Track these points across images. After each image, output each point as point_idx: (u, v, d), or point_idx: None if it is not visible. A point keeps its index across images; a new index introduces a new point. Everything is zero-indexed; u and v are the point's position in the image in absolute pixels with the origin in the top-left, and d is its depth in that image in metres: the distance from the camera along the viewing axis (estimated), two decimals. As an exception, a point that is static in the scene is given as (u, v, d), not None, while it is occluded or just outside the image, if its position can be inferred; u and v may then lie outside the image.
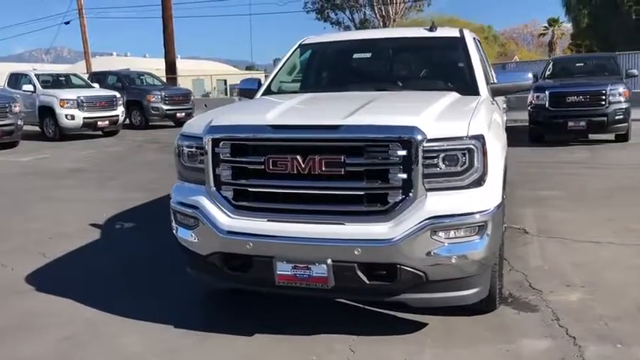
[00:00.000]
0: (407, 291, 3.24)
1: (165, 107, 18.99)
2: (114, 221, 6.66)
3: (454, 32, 4.91)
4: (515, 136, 13.15)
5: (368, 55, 5.08)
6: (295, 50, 5.19)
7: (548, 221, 5.99)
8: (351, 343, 3.42)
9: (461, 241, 3.15)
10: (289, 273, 3.26)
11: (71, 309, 4.12)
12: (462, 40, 4.77)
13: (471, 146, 3.17)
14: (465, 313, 3.67)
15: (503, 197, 3.43)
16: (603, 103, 11.68)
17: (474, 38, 5.36)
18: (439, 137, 3.13)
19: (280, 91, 4.83)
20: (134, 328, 3.79)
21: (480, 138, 3.21)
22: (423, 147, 3.09)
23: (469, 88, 4.27)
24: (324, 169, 3.18)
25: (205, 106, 22.43)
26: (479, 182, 3.20)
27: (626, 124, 11.83)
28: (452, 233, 3.14)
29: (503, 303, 3.87)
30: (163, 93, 19.23)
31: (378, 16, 56.93)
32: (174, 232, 3.73)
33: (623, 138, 12.07)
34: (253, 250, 3.31)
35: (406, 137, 3.09)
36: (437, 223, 3.11)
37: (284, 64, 5.07)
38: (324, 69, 5.30)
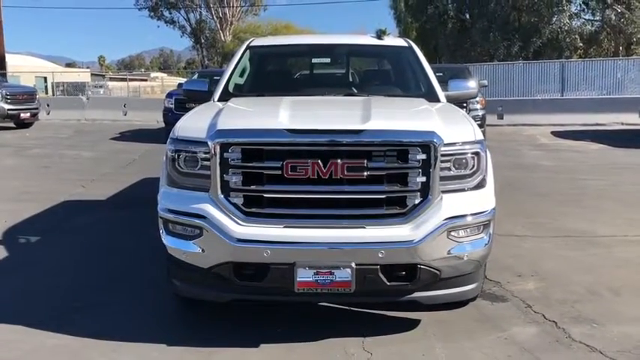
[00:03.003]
0: (421, 289, 3.37)
1: (6, 106, 16.90)
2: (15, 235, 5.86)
3: (401, 42, 5.16)
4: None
5: (327, 59, 5.12)
6: (245, 51, 5.04)
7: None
8: (364, 345, 3.45)
9: (471, 239, 3.36)
10: (310, 279, 3.20)
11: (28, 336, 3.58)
12: (411, 48, 5.03)
13: (478, 150, 3.40)
14: (450, 307, 3.88)
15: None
16: (464, 110, 12.90)
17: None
18: (453, 141, 3.31)
19: (238, 94, 4.66)
20: (125, 349, 3.42)
21: (483, 142, 3.47)
22: (440, 151, 3.25)
23: (431, 95, 4.53)
24: (345, 173, 3.18)
25: (124, 106, 20.58)
26: (482, 184, 3.45)
27: (482, 129, 13.07)
28: (463, 232, 3.34)
29: (474, 295, 4.16)
30: (4, 91, 17.10)
31: (214, 17, 56.48)
32: (164, 242, 3.44)
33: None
34: (271, 257, 3.19)
35: (427, 141, 3.22)
36: (453, 224, 3.28)
37: (236, 65, 4.90)
38: (284, 71, 5.21)
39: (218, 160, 3.24)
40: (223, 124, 3.34)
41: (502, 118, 18.24)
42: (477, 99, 13.12)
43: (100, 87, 45.60)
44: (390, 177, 3.25)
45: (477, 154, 3.39)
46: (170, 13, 55.29)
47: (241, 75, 5.00)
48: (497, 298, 4.18)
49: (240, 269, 3.27)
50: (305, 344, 3.47)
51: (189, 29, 57.34)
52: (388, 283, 3.25)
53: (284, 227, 3.24)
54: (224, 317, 3.85)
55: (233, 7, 55.27)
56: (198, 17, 57.26)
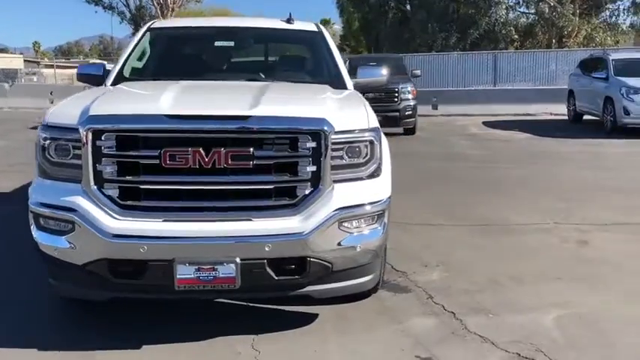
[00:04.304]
0: (312, 283, 3.23)
1: None
2: None
3: (312, 26, 4.98)
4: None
5: (231, 43, 4.87)
6: (145, 34, 4.74)
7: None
8: (253, 343, 3.29)
9: (364, 230, 3.24)
10: (191, 276, 3.00)
11: None
12: (320, 33, 4.86)
13: (372, 138, 3.28)
14: (349, 299, 3.77)
15: (390, 187, 3.61)
16: (396, 100, 12.94)
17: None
18: (345, 129, 3.17)
19: (134, 79, 4.38)
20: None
21: (378, 130, 3.36)
22: (331, 139, 3.10)
23: (338, 82, 4.38)
24: (230, 162, 2.99)
25: (51, 94, 19.31)
26: (377, 173, 3.33)
27: (414, 119, 13.29)
28: (356, 223, 3.22)
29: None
30: None
31: (155, 3, 54.76)
32: (35, 238, 3.16)
33: (410, 131, 13.53)
34: (149, 253, 2.98)
35: (317, 129, 3.07)
36: (345, 214, 3.15)
37: (134, 48, 4.60)
38: (183, 56, 4.94)
39: (90, 149, 2.98)
40: (97, 109, 3.09)
41: (436, 109, 18.46)
42: (409, 89, 13.20)
43: (34, 74, 43.56)
44: (278, 166, 3.09)
45: (370, 142, 3.27)
46: (109, -1, 53.33)
47: (141, 59, 4.71)
48: (401, 289, 4.10)
49: (116, 266, 3.04)
50: (191, 345, 3.27)
51: (128, 15, 55.46)
52: (276, 278, 3.09)
53: (163, 221, 3.03)
54: (105, 316, 3.60)
55: (173, -6, 53.85)
56: (138, 3, 55.43)
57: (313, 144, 3.07)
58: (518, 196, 7.02)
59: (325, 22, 58.30)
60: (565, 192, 7.14)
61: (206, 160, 2.97)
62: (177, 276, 2.98)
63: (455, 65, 22.39)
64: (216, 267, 3.00)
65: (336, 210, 3.12)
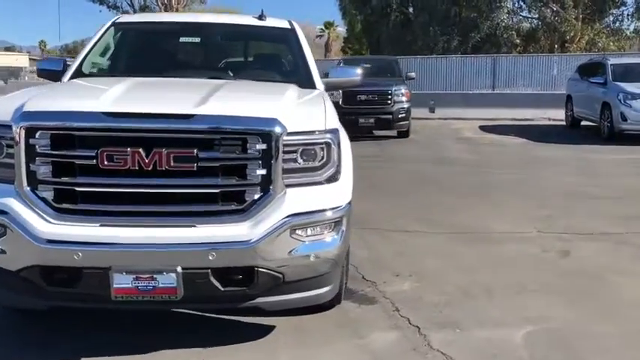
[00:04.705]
0: (263, 294, 3.02)
1: None
2: None
3: (284, 23, 4.78)
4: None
5: (197, 39, 4.68)
6: (108, 29, 4.55)
7: (359, 213, 6.21)
8: (201, 357, 3.09)
9: (319, 238, 3.04)
10: (129, 285, 2.80)
11: None
12: (293, 31, 4.67)
13: (329, 140, 3.08)
14: (311, 310, 3.57)
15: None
16: (389, 102, 12.75)
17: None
18: (298, 130, 2.98)
19: (93, 74, 4.20)
20: None
21: (336, 132, 3.15)
22: (283, 140, 2.90)
23: (306, 82, 4.18)
24: (172, 164, 2.79)
25: None
26: (334, 177, 3.13)
27: (407, 122, 13.09)
28: (310, 231, 3.01)
29: (344, 297, 3.87)
30: None
31: (159, 3, 54.65)
32: None
33: (404, 134, 13.33)
34: (84, 260, 2.77)
35: (267, 130, 2.87)
36: (297, 221, 2.95)
37: (95, 43, 4.41)
38: (147, 52, 4.74)
39: (23, 147, 2.78)
40: (32, 105, 2.89)
41: (434, 112, 18.27)
42: (403, 91, 13.01)
43: (38, 72, 43.48)
44: (225, 169, 2.88)
45: (327, 144, 3.06)
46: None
47: (104, 54, 4.52)
48: (367, 300, 3.90)
49: (50, 274, 2.84)
50: (132, 358, 3.07)
51: (134, 15, 55.11)
52: (222, 289, 2.89)
53: (100, 226, 2.83)
54: (41, 324, 3.41)
55: (178, -6, 53.75)
56: (142, 3, 55.28)
57: (263, 146, 2.87)
58: (504, 202, 6.81)
59: (329, 25, 58.07)
60: (553, 199, 6.93)
61: (146, 161, 2.77)
62: (114, 285, 2.78)
63: (453, 68, 22.16)
64: (155, 276, 2.80)
65: (287, 216, 2.93)
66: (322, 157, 3.06)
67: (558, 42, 34.35)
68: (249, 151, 2.87)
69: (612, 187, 7.72)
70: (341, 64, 15.16)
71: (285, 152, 2.92)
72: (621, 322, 3.58)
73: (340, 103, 12.80)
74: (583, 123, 14.88)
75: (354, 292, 4.01)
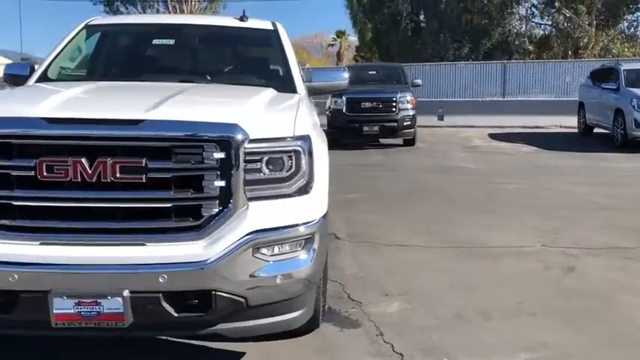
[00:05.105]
0: (224, 320, 2.71)
1: None
2: None
3: (267, 24, 4.49)
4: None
5: (171, 41, 4.40)
6: (80, 31, 4.30)
7: (355, 225, 5.94)
8: (155, 390, 2.79)
9: (286, 257, 2.73)
10: (71, 311, 2.50)
11: None
12: (275, 32, 4.37)
13: (298, 148, 2.76)
14: (285, 335, 3.25)
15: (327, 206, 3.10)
16: (394, 109, 12.42)
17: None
18: (263, 137, 2.67)
19: (61, 79, 3.94)
20: None
21: (307, 139, 2.83)
22: (245, 148, 2.61)
23: (286, 85, 3.88)
24: (118, 175, 2.49)
25: None
26: (305, 189, 2.81)
27: (413, 130, 12.74)
28: (277, 249, 2.70)
29: (325, 319, 3.55)
30: None
31: (172, 13, 54.85)
32: None
33: (410, 142, 12.98)
34: (20, 283, 2.49)
35: (225, 136, 2.57)
36: (260, 239, 2.64)
37: (65, 46, 4.15)
38: (118, 54, 4.49)
39: (-46, 157, 2.51)
40: (-35, 110, 2.62)
41: (442, 119, 17.90)
42: (408, 98, 12.69)
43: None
44: (179, 180, 2.58)
45: (295, 152, 2.75)
46: (127, 8, 53.47)
47: (75, 58, 4.27)
48: (350, 324, 3.57)
49: (-17, 297, 2.56)
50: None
51: (148, 25, 55.42)
52: (176, 315, 2.58)
53: (40, 244, 2.54)
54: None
55: (191, 3, 54.01)
56: (155, 13, 55.54)
57: (222, 154, 2.57)
58: (507, 213, 6.44)
59: (341, 34, 58.01)
60: (560, 210, 6.55)
61: (89, 172, 2.48)
62: (54, 311, 2.49)
63: (463, 75, 21.76)
64: (99, 301, 2.50)
65: (250, 233, 2.62)
66: (290, 167, 2.75)
67: (572, 49, 33.83)
68: (205, 161, 2.57)
69: (624, 198, 7.33)
70: (345, 71, 14.90)
71: (247, 161, 2.63)
72: (632, 350, 3.22)
73: (344, 110, 12.60)
74: (595, 130, 14.45)
75: (337, 314, 3.69)
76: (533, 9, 34.08)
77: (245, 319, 2.73)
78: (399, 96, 12.49)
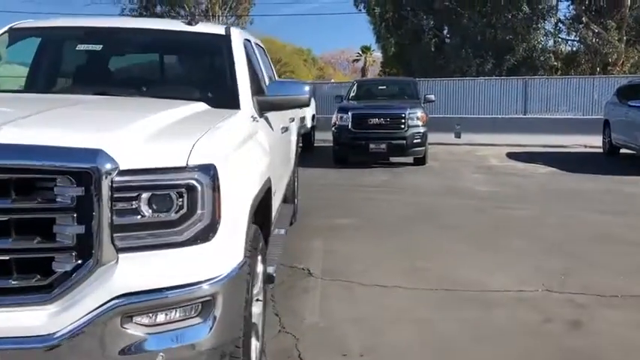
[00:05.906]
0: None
1: None
2: None
3: (218, 29, 3.86)
4: (322, 157, 12.87)
5: (98, 47, 3.81)
6: (2, 36, 3.73)
7: (336, 258, 5.25)
8: None
9: (174, 327, 2.08)
10: None
11: None
12: (226, 38, 3.73)
13: (192, 182, 2.11)
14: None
15: (247, 253, 2.42)
16: (402, 126, 11.69)
17: (251, 41, 4.41)
18: (139, 168, 2.04)
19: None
20: None
21: (209, 169, 2.17)
22: (113, 182, 1.97)
23: (227, 100, 3.25)
24: (-62, 217, 1.88)
25: None
26: (204, 236, 2.16)
27: (423, 148, 11.96)
28: (158, 317, 2.05)
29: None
30: None
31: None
32: None
33: (420, 161, 12.21)
34: None
35: (84, 166, 1.93)
36: (132, 304, 1.99)
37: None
38: (38, 63, 3.91)
39: None
40: None
41: (459, 137, 17.08)
42: (419, 114, 11.94)
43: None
44: (21, 225, 1.96)
45: (190, 187, 2.10)
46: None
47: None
48: (289, 396, 2.87)
49: None
50: None
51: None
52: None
53: None
54: None
55: (219, 20, 54.13)
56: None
57: (79, 190, 1.94)
58: (512, 247, 5.66)
59: (366, 49, 57.81)
60: (573, 244, 5.74)
61: None
62: None
63: (482, 91, 20.88)
64: None
65: (118, 297, 1.98)
66: (181, 207, 2.09)
67: (600, 65, 32.69)
68: (57, 199, 1.95)
69: (651, 231, 6.47)
70: (354, 87, 14.27)
71: (116, 200, 1.99)
72: None
73: (350, 126, 11.92)
74: (622, 151, 13.47)
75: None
76: (560, 24, 33.10)
77: (117, 408, 2.07)
78: (408, 112, 11.76)
